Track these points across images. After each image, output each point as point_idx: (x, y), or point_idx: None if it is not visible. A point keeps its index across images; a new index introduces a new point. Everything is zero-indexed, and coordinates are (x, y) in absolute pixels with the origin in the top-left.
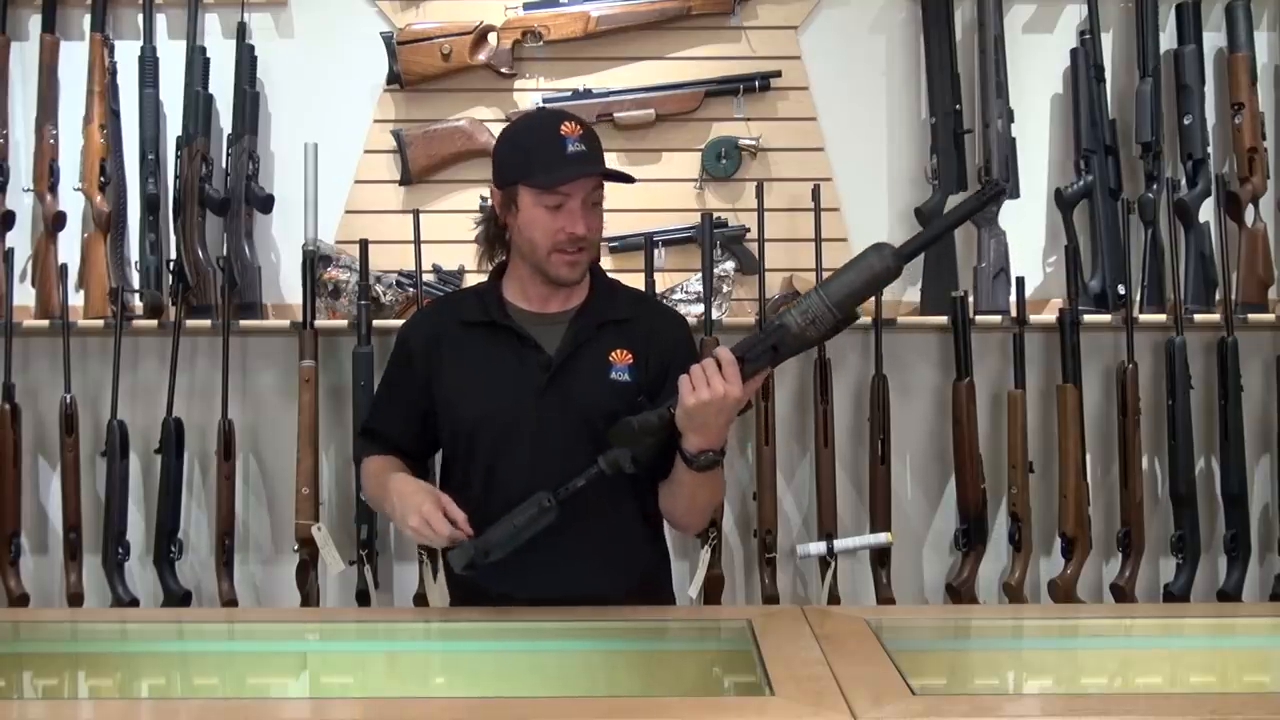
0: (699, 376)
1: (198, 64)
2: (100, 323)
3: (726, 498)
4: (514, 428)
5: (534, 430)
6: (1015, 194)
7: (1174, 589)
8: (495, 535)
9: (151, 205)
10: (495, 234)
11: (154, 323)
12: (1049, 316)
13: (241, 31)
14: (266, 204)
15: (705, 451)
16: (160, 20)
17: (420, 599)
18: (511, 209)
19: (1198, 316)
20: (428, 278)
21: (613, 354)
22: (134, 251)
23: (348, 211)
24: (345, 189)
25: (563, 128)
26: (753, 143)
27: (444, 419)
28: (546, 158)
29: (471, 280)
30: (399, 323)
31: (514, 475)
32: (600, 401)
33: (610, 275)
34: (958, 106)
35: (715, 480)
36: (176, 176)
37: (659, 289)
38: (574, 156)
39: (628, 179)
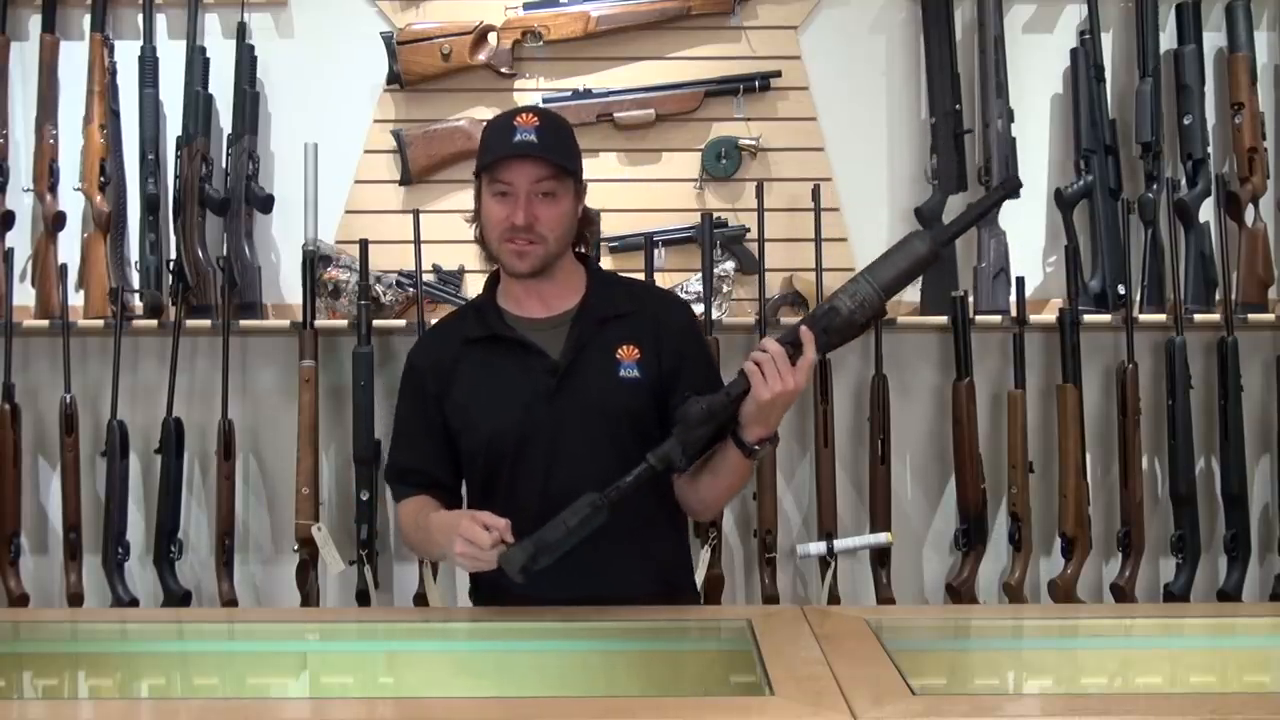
0: (771, 371)
1: (198, 64)
2: (100, 323)
3: None
4: (528, 437)
5: (548, 437)
6: (1015, 194)
7: (1174, 589)
8: (548, 536)
9: (151, 205)
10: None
11: (154, 323)
12: (1049, 316)
13: (241, 31)
14: (266, 204)
15: (765, 440)
16: (160, 20)
17: (420, 599)
18: (479, 203)
19: (1198, 316)
20: (428, 278)
21: (619, 350)
22: (134, 251)
23: (348, 211)
24: (345, 189)
25: (518, 119)
26: (753, 143)
27: (462, 440)
28: (494, 146)
29: (472, 280)
30: (399, 323)
31: (532, 485)
32: (611, 401)
33: (606, 270)
34: (958, 106)
35: (751, 466)
36: (176, 176)
37: None
38: (518, 145)
39: (563, 168)
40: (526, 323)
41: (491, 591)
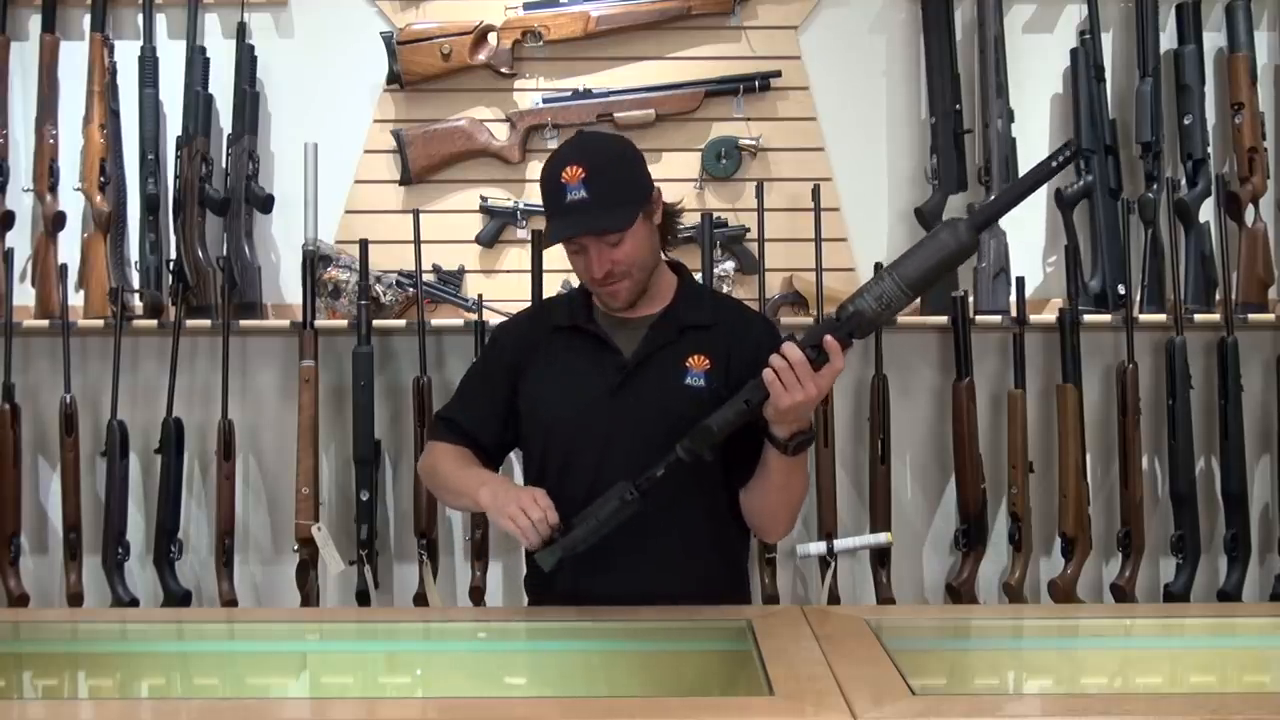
0: (790, 379)
1: (198, 64)
2: (100, 323)
3: None
4: (586, 428)
5: (605, 431)
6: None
7: (1174, 589)
8: (580, 532)
9: (151, 205)
10: None
11: (154, 323)
12: (1049, 316)
13: (241, 31)
14: (266, 204)
15: (796, 435)
16: (160, 20)
17: (420, 599)
18: None
19: (1198, 316)
20: (428, 278)
21: (690, 359)
22: (134, 251)
23: (348, 211)
24: (345, 189)
25: (564, 174)
26: (753, 143)
27: (525, 420)
28: (551, 209)
29: (471, 280)
30: (399, 323)
31: (584, 475)
32: (671, 406)
33: (698, 282)
34: (958, 106)
35: (804, 466)
36: (176, 176)
37: None
38: (570, 206)
39: (613, 228)
40: (611, 320)
41: (539, 582)
